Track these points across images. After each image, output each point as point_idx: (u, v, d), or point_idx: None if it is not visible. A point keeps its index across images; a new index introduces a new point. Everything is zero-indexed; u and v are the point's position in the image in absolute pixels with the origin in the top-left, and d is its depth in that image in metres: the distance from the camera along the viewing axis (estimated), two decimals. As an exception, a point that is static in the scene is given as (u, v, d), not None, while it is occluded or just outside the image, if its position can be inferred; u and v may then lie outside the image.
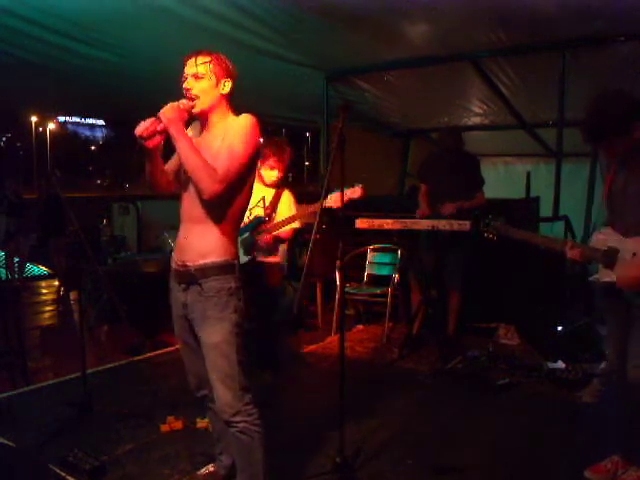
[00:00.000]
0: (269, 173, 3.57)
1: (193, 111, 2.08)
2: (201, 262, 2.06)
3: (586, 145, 2.43)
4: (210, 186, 1.95)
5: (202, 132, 2.16)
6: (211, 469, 2.56)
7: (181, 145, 1.98)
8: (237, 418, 2.09)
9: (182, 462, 2.68)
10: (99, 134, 48.49)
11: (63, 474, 2.52)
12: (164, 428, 3.03)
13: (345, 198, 2.95)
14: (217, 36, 4.35)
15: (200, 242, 2.08)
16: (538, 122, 6.66)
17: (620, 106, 2.23)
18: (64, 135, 43.15)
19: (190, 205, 2.10)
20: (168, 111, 1.98)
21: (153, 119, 1.99)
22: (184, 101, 2.05)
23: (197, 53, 2.09)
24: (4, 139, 44.65)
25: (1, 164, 35.32)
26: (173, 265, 2.20)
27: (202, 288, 2.07)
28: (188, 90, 2.05)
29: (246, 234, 3.41)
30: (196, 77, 2.06)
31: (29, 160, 37.49)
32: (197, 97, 2.06)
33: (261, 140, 2.11)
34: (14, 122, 36.37)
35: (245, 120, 2.05)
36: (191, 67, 2.07)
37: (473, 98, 6.42)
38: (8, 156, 40.92)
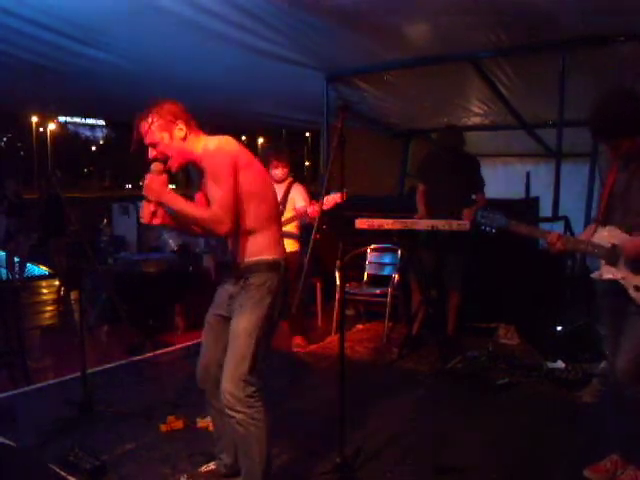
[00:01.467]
0: (274, 172, 4.16)
1: (173, 171, 2.20)
2: (247, 260, 2.24)
3: (594, 141, 2.44)
4: (220, 229, 2.11)
5: (202, 172, 2.28)
6: (212, 467, 2.57)
7: (177, 210, 2.13)
8: (237, 407, 2.12)
9: (182, 462, 2.68)
10: (99, 134, 48.55)
11: (63, 474, 2.52)
12: (164, 428, 3.03)
13: (325, 207, 3.14)
14: (217, 36, 4.36)
15: (245, 245, 2.24)
16: (538, 122, 6.65)
17: (633, 106, 2.23)
18: (64, 135, 43.16)
19: None
20: (149, 187, 2.11)
21: (145, 202, 2.13)
22: (155, 165, 2.16)
23: (138, 124, 2.17)
24: (4, 139, 44.67)
25: (1, 164, 35.34)
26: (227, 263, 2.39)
27: (247, 283, 2.22)
28: (155, 159, 2.17)
29: None
30: (152, 145, 2.16)
31: (29, 160, 37.50)
32: (168, 159, 2.17)
33: (235, 149, 2.18)
34: (14, 122, 36.38)
35: (213, 150, 2.16)
36: (143, 137, 2.16)
37: (473, 98, 6.41)
38: (8, 156, 40.93)
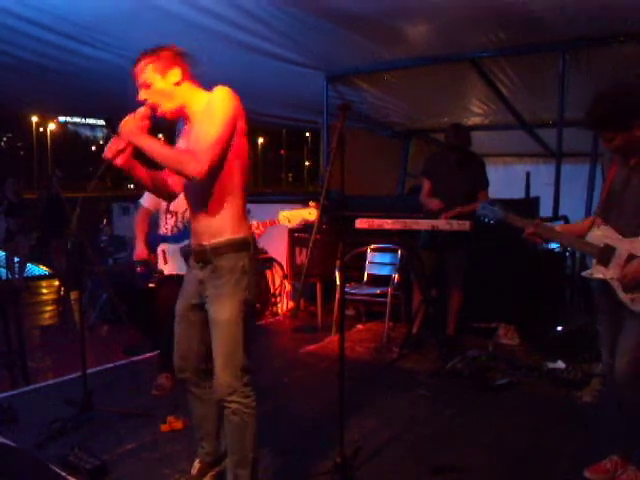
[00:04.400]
0: None
1: (167, 117, 2.10)
2: (214, 241, 2.11)
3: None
4: (192, 168, 1.95)
5: (186, 126, 2.18)
6: (197, 465, 2.48)
7: (147, 148, 1.99)
8: (232, 397, 2.11)
9: (182, 462, 2.67)
10: (99, 134, 48.56)
11: (64, 474, 2.52)
12: (164, 428, 3.02)
13: (299, 220, 3.00)
14: (217, 36, 4.36)
15: (212, 223, 2.11)
16: (538, 122, 6.66)
17: (626, 99, 2.22)
18: (64, 135, 43.18)
19: (193, 195, 2.17)
20: (125, 126, 2.02)
21: (114, 138, 2.03)
22: (140, 109, 2.07)
23: (137, 62, 2.12)
24: (5, 139, 44.66)
25: (2, 164, 35.33)
26: (192, 247, 2.23)
27: (216, 266, 2.12)
28: (144, 102, 2.08)
29: (186, 242, 2.58)
30: (145, 86, 2.09)
31: (29, 160, 37.51)
32: (156, 104, 2.08)
33: (240, 106, 2.06)
34: (15, 122, 36.40)
35: (217, 93, 2.04)
36: (137, 79, 2.10)
37: (473, 98, 6.42)
38: (9, 156, 40.93)
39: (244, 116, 2.08)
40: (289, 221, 3.07)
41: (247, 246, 2.14)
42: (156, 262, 3.70)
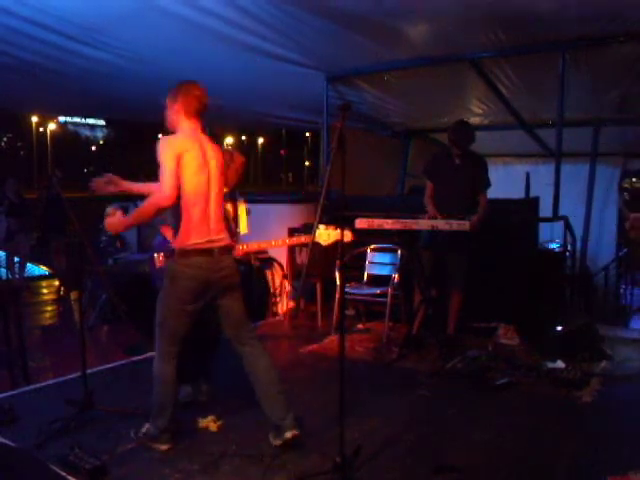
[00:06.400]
0: None
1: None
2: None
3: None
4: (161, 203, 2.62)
5: None
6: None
7: (131, 225, 2.79)
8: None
9: (182, 462, 2.68)
10: (99, 134, 48.56)
11: (63, 474, 2.52)
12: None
13: (330, 240, 3.15)
14: (218, 37, 4.36)
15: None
16: (537, 122, 6.66)
17: None
18: (64, 135, 43.18)
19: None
20: (110, 228, 2.78)
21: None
22: (107, 209, 2.78)
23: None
24: (5, 139, 44.66)
25: (2, 164, 35.33)
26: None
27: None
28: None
29: None
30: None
31: (30, 160, 37.50)
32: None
33: (164, 144, 2.64)
34: (15, 122, 36.39)
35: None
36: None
37: (473, 98, 6.42)
38: (9, 156, 40.93)
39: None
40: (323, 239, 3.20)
41: (172, 254, 2.74)
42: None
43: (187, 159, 2.62)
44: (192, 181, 2.64)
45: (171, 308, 2.72)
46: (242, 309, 2.88)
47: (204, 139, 2.77)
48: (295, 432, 2.77)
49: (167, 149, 2.62)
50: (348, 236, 3.11)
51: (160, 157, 2.60)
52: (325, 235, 3.18)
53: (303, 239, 3.29)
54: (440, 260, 4.47)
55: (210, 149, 2.76)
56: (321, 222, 2.98)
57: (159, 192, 2.58)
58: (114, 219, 2.73)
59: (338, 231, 3.04)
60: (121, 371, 4.01)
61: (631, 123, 6.72)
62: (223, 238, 2.78)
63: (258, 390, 2.85)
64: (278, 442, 2.79)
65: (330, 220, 3.62)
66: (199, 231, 2.69)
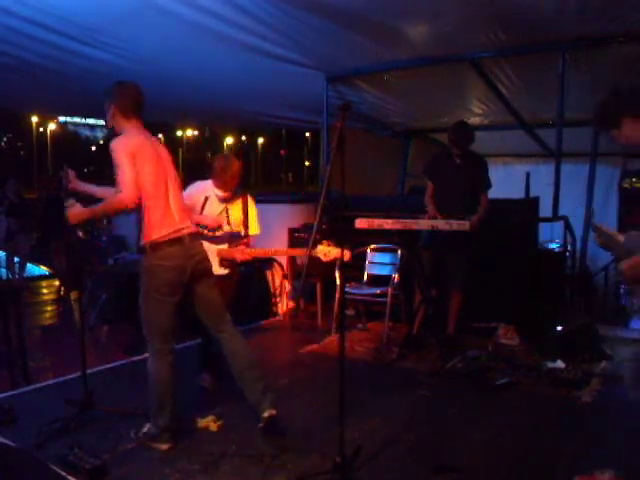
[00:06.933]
0: (216, 191, 3.70)
1: None
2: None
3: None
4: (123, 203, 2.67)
5: None
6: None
7: (98, 217, 3.01)
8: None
9: (182, 462, 2.68)
10: (99, 134, 48.53)
11: (64, 474, 2.52)
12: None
13: (330, 257, 3.16)
14: (218, 36, 4.36)
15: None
16: (538, 122, 6.65)
17: (611, 99, 2.22)
18: (64, 135, 43.17)
19: None
20: (71, 219, 2.81)
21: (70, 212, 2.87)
22: (67, 202, 2.85)
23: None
24: (5, 139, 44.65)
25: (2, 164, 35.33)
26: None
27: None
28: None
29: (223, 245, 3.60)
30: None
31: (30, 160, 37.49)
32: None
33: (118, 145, 2.70)
34: (15, 122, 36.39)
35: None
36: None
37: (473, 98, 6.42)
38: (9, 156, 40.93)
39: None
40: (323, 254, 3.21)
41: (143, 250, 2.77)
42: None
43: (141, 156, 2.68)
44: (150, 176, 2.71)
45: (155, 303, 2.76)
46: (217, 296, 2.96)
47: (148, 134, 2.85)
48: (272, 412, 2.89)
49: (122, 150, 2.66)
50: (347, 255, 3.12)
51: (117, 159, 2.63)
52: (325, 250, 3.20)
53: (306, 251, 3.32)
54: (440, 260, 4.47)
55: (156, 143, 2.88)
56: (320, 229, 2.98)
57: (122, 193, 2.62)
58: (74, 212, 2.81)
59: (338, 249, 3.06)
60: (121, 371, 4.01)
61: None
62: (189, 225, 2.86)
63: (235, 375, 2.94)
64: (260, 425, 2.91)
65: (331, 233, 3.64)
66: (166, 222, 2.75)
